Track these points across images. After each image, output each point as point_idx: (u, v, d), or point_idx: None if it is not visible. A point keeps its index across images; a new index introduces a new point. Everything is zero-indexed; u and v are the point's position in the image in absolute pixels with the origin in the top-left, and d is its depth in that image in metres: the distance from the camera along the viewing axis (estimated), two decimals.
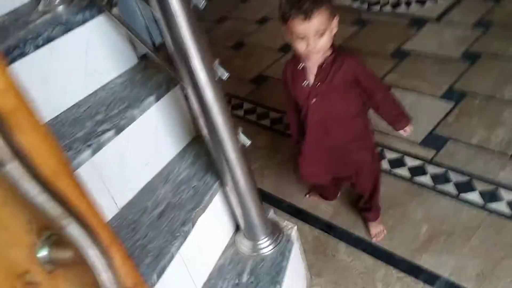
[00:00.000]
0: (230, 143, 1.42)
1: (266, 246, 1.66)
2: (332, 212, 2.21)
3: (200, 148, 1.71)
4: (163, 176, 1.66)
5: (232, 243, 1.73)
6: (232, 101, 3.11)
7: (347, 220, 2.15)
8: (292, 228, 1.75)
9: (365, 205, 2.04)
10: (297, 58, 1.66)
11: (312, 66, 1.65)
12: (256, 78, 3.29)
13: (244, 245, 1.68)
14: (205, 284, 1.60)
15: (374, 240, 2.03)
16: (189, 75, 1.27)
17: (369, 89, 1.70)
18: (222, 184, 1.58)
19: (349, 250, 2.02)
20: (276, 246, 1.67)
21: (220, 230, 1.70)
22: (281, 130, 2.77)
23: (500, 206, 2.02)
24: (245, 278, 1.60)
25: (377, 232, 2.04)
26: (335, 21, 1.56)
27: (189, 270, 1.52)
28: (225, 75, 1.34)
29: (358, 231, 2.09)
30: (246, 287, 1.57)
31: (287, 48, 3.52)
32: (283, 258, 1.64)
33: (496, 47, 2.94)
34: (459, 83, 2.75)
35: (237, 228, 1.73)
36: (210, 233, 1.63)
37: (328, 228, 2.14)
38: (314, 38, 1.51)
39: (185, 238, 1.45)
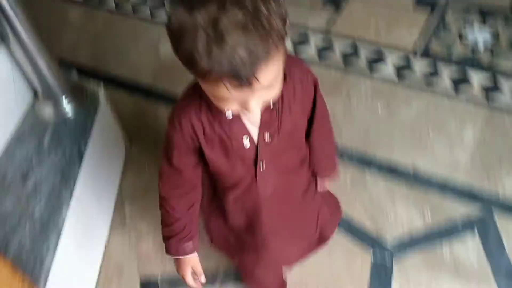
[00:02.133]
0: None
1: (67, 107, 1.56)
2: (152, 77, 2.14)
3: None
4: None
5: (31, 110, 1.59)
6: None
7: (168, 82, 2.10)
8: (97, 88, 1.65)
9: None
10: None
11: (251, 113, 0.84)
12: None
13: (44, 109, 1.56)
14: (2, 155, 1.47)
15: None
16: None
17: (318, 117, 1.03)
18: (4, 41, 1.41)
19: (169, 110, 1.99)
20: (79, 106, 1.57)
21: (13, 97, 1.54)
22: None
23: (308, 49, 2.12)
24: (46, 141, 1.50)
25: None
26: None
27: None
28: None
29: (178, 91, 2.05)
30: (48, 149, 1.48)
31: None
32: (87, 119, 1.56)
33: None
34: None
35: (36, 93, 1.59)
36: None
37: (149, 93, 2.08)
38: (260, 95, 0.76)
39: None
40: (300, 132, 1.01)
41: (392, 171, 1.68)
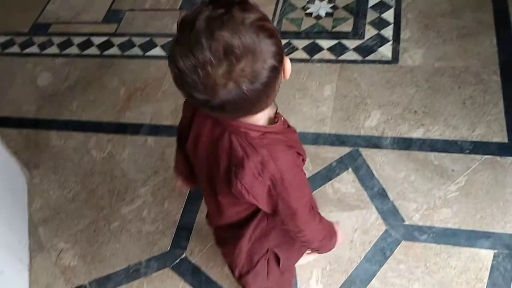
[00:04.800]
0: None
1: None
2: (35, 108, 2.21)
3: None
4: None
5: None
6: None
7: (52, 110, 2.18)
8: None
9: None
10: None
11: None
12: None
13: None
14: None
15: None
16: None
17: None
18: None
19: (60, 134, 2.08)
20: None
21: None
22: None
23: None
24: None
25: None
26: None
27: None
28: None
29: (65, 115, 2.15)
30: None
31: None
32: None
33: None
34: None
35: None
36: None
37: (35, 124, 2.15)
38: None
39: None
40: None
41: None
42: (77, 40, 2.46)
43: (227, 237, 1.22)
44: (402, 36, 2.10)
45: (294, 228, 1.07)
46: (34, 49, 2.46)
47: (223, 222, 1.15)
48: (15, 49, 2.50)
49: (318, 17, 2.28)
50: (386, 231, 1.60)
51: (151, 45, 2.35)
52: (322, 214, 1.19)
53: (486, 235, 1.54)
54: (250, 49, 0.74)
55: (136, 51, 2.34)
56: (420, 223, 1.60)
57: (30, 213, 1.86)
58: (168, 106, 2.08)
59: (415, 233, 1.59)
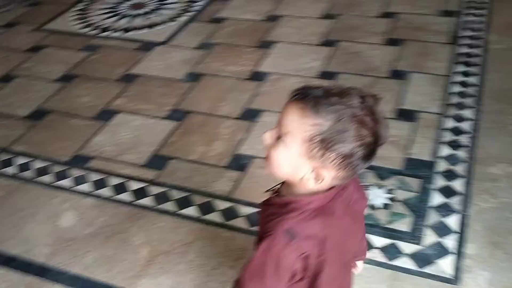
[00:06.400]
0: None
1: None
2: (49, 251, 2.01)
3: None
4: None
5: None
6: None
7: (65, 258, 1.98)
8: None
9: None
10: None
11: None
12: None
13: None
14: None
15: None
16: None
17: None
18: None
19: None
20: None
21: None
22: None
23: (214, 217, 2.09)
24: None
25: None
26: None
27: None
28: None
29: (76, 268, 1.94)
30: None
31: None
32: None
33: (216, 67, 3.12)
34: (183, 103, 2.83)
35: None
36: None
37: (42, 271, 1.94)
38: None
39: None
40: None
41: None
42: (113, 181, 2.33)
43: None
44: (466, 250, 1.83)
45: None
46: (67, 182, 2.33)
47: None
48: (49, 178, 2.38)
49: (373, 206, 2.06)
50: None
51: (186, 202, 2.17)
52: None
53: None
54: None
55: (170, 206, 2.16)
56: None
57: None
58: (188, 281, 1.84)
59: None
